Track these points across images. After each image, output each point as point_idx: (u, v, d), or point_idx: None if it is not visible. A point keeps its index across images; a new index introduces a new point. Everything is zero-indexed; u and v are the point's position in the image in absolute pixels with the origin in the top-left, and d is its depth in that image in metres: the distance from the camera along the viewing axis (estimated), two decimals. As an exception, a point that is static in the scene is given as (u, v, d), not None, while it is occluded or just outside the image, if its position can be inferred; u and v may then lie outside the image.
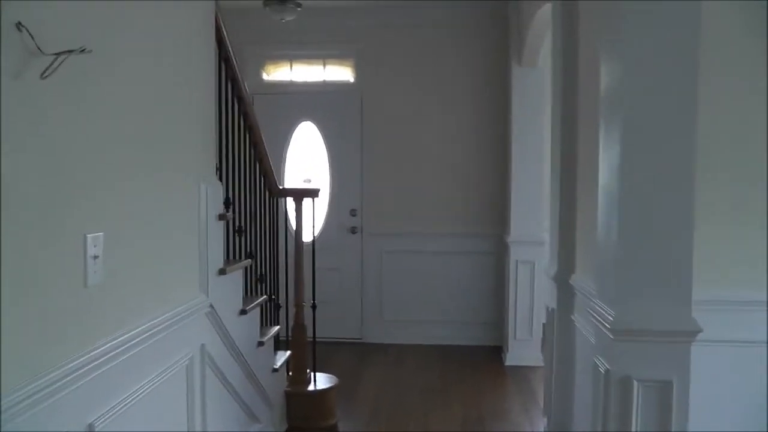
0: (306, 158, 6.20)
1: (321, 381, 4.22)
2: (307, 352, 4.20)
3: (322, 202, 6.13)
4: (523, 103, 5.26)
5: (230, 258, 3.21)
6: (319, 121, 6.12)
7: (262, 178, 3.98)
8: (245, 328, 3.22)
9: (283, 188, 4.23)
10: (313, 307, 4.30)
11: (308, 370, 4.19)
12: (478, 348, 5.84)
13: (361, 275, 6.06)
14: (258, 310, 3.56)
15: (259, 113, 6.35)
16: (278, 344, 4.11)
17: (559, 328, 3.27)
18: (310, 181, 6.21)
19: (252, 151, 3.79)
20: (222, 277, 2.83)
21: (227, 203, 3.12)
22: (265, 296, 3.80)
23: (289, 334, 4.20)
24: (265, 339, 3.52)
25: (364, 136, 6.01)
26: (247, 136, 3.70)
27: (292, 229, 6.25)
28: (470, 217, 5.85)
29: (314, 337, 4.32)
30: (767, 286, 2.49)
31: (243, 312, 3.16)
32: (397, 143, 5.93)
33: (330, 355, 5.65)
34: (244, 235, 3.53)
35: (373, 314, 6.05)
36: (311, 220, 4.27)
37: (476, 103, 5.82)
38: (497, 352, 5.69)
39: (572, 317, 3.18)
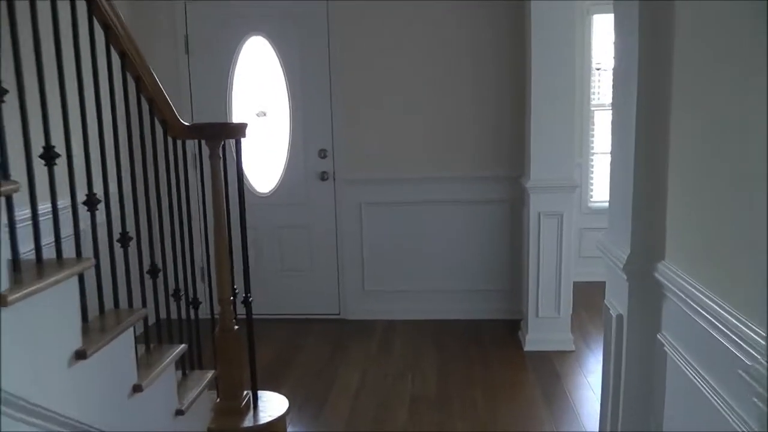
0: (259, 85, 4.75)
1: (265, 406, 2.93)
2: (243, 366, 2.88)
3: (282, 141, 4.72)
4: (544, 30, 3.81)
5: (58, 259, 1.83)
6: (273, 36, 4.64)
7: (155, 118, 2.58)
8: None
9: (189, 126, 2.81)
10: (247, 303, 2.95)
11: (245, 392, 2.88)
12: (487, 324, 4.54)
13: (335, 234, 4.71)
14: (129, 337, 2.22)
15: (193, 24, 4.67)
16: (197, 359, 2.80)
17: (632, 350, 1.94)
18: (264, 114, 4.78)
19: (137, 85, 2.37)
20: None
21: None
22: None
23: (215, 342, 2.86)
24: (144, 383, 2.17)
25: (333, 54, 4.54)
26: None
27: (250, 185, 4.98)
28: (475, 157, 4.46)
29: (251, 345, 3.00)
30: None
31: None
32: (379, 64, 4.48)
33: (298, 340, 4.37)
34: (107, 206, 2.16)
35: (352, 283, 4.74)
36: (240, 169, 2.87)
37: (481, 22, 4.33)
38: (513, 329, 4.39)
39: (660, 336, 1.84)
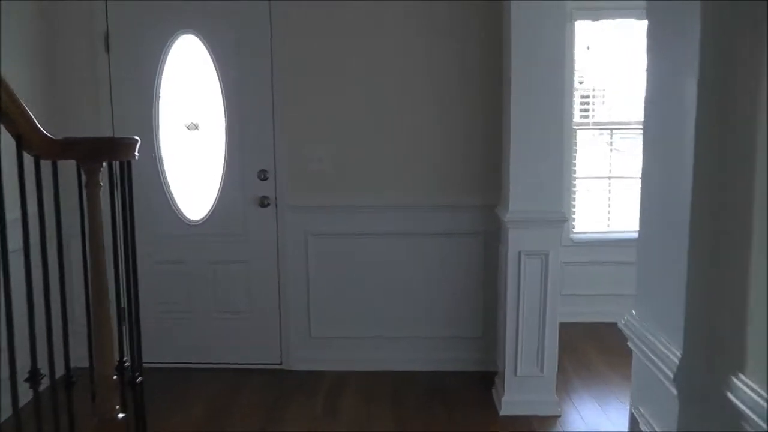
0: (190, 92, 4.02)
1: None
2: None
3: (216, 159, 3.99)
4: (526, 37, 3.16)
5: None
6: (207, 35, 3.92)
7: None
8: None
9: (57, 141, 2.06)
10: (135, 384, 2.21)
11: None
12: (455, 377, 3.86)
13: (277, 270, 3.98)
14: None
15: (115, 17, 3.87)
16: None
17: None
18: (196, 127, 4.06)
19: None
20: None
21: None
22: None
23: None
24: None
25: (276, 60, 3.85)
26: None
27: (178, 210, 4.27)
28: (442, 182, 3.79)
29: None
30: None
31: None
32: (330, 72, 3.80)
33: (232, 396, 3.63)
34: None
35: (297, 328, 4.01)
36: (125, 196, 2.14)
37: (448, 27, 3.68)
38: (485, 385, 3.71)
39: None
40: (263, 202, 3.90)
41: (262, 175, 3.91)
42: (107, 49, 3.95)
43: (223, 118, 3.94)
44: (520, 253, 3.23)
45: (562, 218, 3.23)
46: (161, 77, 3.99)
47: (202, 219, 4.02)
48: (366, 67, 3.76)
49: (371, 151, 3.79)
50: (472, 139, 3.72)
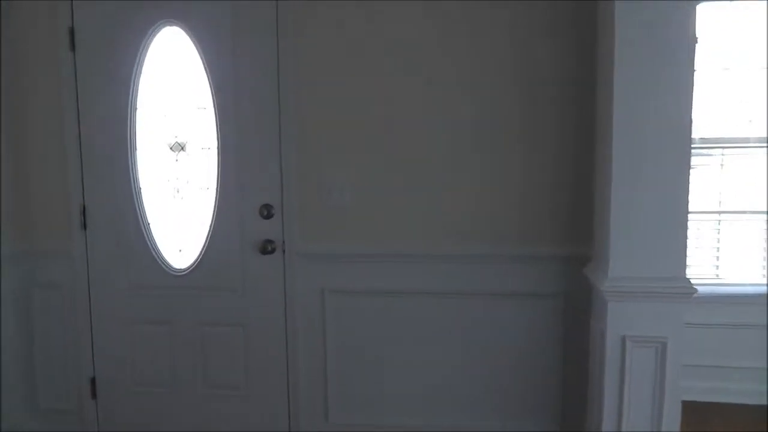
0: (175, 103, 3.10)
1: None
2: None
3: (207, 189, 3.06)
4: (637, 50, 2.14)
5: None
6: (196, 28, 3.00)
7: None
8: None
9: None
10: None
11: None
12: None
13: (285, 337, 3.03)
14: None
15: (82, 8, 2.88)
16: None
17: None
18: (182, 147, 3.13)
19: None
20: None
21: None
22: None
23: None
24: None
25: (284, 62, 2.91)
26: None
27: (159, 255, 3.14)
28: (506, 223, 2.77)
29: None
30: None
31: None
32: (357, 80, 2.84)
33: None
34: None
35: (309, 412, 3.05)
36: None
37: (523, 28, 2.69)
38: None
39: None
40: (266, 248, 2.95)
41: (265, 212, 2.96)
42: (72, 47, 3.07)
43: (215, 136, 3.00)
44: (624, 339, 2.21)
45: (688, 289, 2.19)
46: (138, 83, 3.09)
47: (189, 267, 3.10)
48: (405, 76, 2.78)
49: (411, 180, 2.81)
50: (550, 167, 2.71)
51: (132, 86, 3.07)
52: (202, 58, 2.99)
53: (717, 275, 3.65)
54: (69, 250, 3.18)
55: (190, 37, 3.00)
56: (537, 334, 2.78)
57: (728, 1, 3.47)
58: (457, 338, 2.85)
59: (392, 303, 2.86)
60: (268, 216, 2.96)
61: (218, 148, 3.00)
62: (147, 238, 3.11)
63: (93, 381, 3.24)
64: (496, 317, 2.80)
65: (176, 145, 3.11)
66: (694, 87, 2.18)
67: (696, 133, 3.62)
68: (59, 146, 3.15)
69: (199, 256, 3.07)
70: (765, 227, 3.50)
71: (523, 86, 2.68)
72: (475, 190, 2.75)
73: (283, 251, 2.96)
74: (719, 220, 3.64)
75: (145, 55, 3.07)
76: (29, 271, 3.23)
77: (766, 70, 3.42)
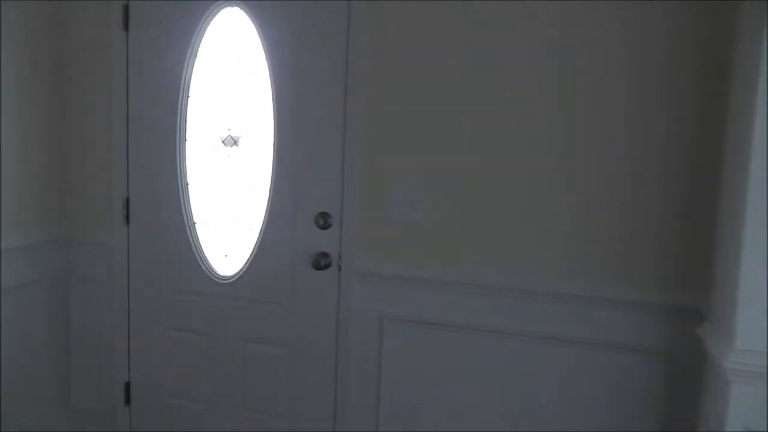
0: (230, 92, 2.78)
1: None
2: None
3: (260, 190, 2.74)
4: None
5: None
6: (256, 7, 2.66)
7: None
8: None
9: None
10: None
11: None
12: None
13: (335, 365, 2.68)
14: None
15: None
16: None
17: None
18: (235, 142, 2.80)
19: None
20: None
21: None
22: None
23: None
24: None
25: (354, 50, 2.52)
26: None
27: (203, 260, 2.77)
28: (604, 259, 2.31)
29: None
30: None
31: None
32: (440, 78, 2.42)
33: None
34: None
35: (358, 450, 2.71)
36: None
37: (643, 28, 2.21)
38: None
39: None
40: (320, 262, 2.61)
41: (322, 221, 2.61)
42: (126, 25, 2.79)
43: (272, 131, 2.66)
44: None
45: None
46: (192, 68, 2.78)
47: (234, 275, 2.79)
48: (497, 71, 2.37)
49: (495, 199, 2.40)
50: (657, 195, 2.25)
51: (185, 71, 2.77)
52: (262, 43, 2.65)
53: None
54: (110, 243, 2.93)
55: (251, 19, 2.66)
56: (630, 397, 2.34)
57: None
58: (543, 389, 2.44)
59: (462, 340, 2.47)
60: (325, 226, 2.61)
61: (274, 145, 2.67)
62: (192, 239, 2.82)
63: (128, 386, 3.00)
64: (583, 369, 2.38)
65: (229, 139, 2.79)
66: None
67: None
68: (106, 132, 2.90)
69: (246, 263, 2.76)
70: None
71: (631, 101, 2.22)
72: (569, 218, 2.32)
73: (339, 268, 2.61)
74: None
75: (201, 38, 2.75)
76: (68, 260, 3.00)
77: None
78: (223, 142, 2.79)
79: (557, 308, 2.34)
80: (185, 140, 2.82)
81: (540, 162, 2.32)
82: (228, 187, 2.79)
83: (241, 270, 2.77)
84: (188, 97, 2.79)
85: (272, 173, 2.68)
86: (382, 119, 2.49)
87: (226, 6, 2.70)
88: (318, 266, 2.60)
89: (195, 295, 2.84)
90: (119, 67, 2.83)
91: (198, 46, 2.76)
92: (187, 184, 2.83)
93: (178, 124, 2.79)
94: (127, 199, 2.90)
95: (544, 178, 2.32)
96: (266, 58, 2.64)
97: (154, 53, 2.79)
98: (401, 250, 2.50)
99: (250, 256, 2.74)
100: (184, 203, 2.83)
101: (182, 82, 2.77)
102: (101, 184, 2.93)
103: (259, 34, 2.65)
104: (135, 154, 2.86)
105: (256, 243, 2.73)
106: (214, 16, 2.73)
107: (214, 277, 2.81)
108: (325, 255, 2.61)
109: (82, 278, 3.02)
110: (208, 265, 2.82)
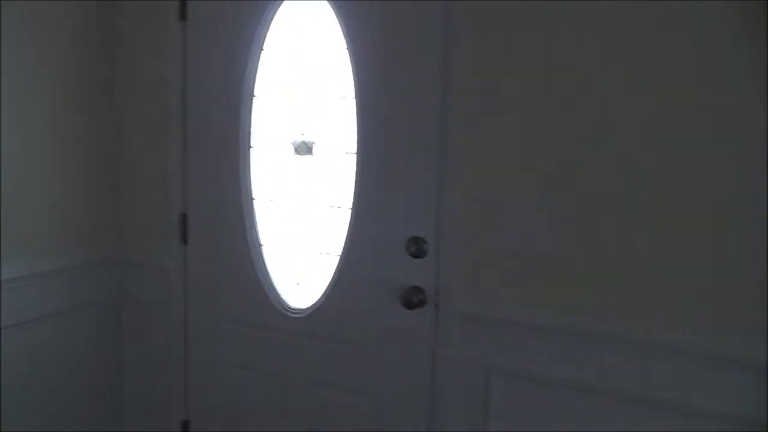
0: (303, 91, 2.31)
1: None
2: None
3: (339, 208, 2.27)
4: None
5: None
6: (343, 3, 2.19)
7: None
8: None
9: None
10: None
11: None
12: None
13: (426, 426, 2.19)
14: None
15: None
16: None
17: None
18: (309, 149, 2.34)
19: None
20: None
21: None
22: None
23: None
24: None
25: (454, 38, 2.01)
26: None
27: (272, 288, 2.34)
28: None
29: None
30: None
31: None
32: (561, 70, 1.89)
33: None
34: None
35: None
36: None
37: None
38: None
39: None
40: (412, 299, 2.12)
41: (415, 248, 2.13)
42: (183, 15, 2.39)
43: (355, 137, 2.19)
44: None
45: None
46: (258, 63, 2.34)
47: (308, 309, 2.34)
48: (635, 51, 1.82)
49: (643, 224, 1.85)
50: None
51: (250, 66, 2.33)
52: (343, 32, 2.18)
53: None
54: (166, 265, 2.55)
55: (335, 12, 2.19)
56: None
57: None
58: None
59: (595, 404, 1.95)
60: (419, 254, 2.13)
61: (358, 154, 2.20)
62: (258, 264, 2.40)
63: (186, 425, 2.62)
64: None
65: (302, 146, 2.34)
66: None
67: None
68: (160, 137, 2.50)
69: (322, 295, 2.31)
70: None
71: None
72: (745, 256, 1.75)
73: (436, 306, 2.12)
74: None
75: (268, 28, 2.32)
76: (120, 282, 2.66)
77: None
78: (295, 149, 2.34)
79: (732, 376, 1.78)
80: (250, 147, 2.39)
81: (700, 196, 1.76)
82: (301, 202, 2.34)
83: (316, 303, 2.32)
84: (253, 96, 2.36)
85: (355, 187, 2.21)
86: (491, 127, 1.98)
87: (298, -10, 2.25)
88: (409, 304, 2.12)
89: (260, 329, 2.41)
90: (175, 62, 2.44)
91: (265, 36, 2.32)
92: (253, 198, 2.40)
93: (241, 129, 2.37)
94: (184, 215, 2.50)
95: (704, 210, 1.75)
96: (348, 48, 2.17)
97: (215, 48, 2.38)
98: (516, 287, 1.99)
99: (328, 286, 2.29)
100: (250, 221, 2.40)
101: (247, 78, 2.34)
102: (156, 196, 2.56)
103: (339, 22, 2.18)
104: (192, 162, 2.46)
105: (335, 271, 2.27)
106: (279, 7, 2.28)
107: (283, 310, 2.37)
108: (418, 290, 2.13)
109: (136, 303, 2.67)
110: (277, 294, 2.39)
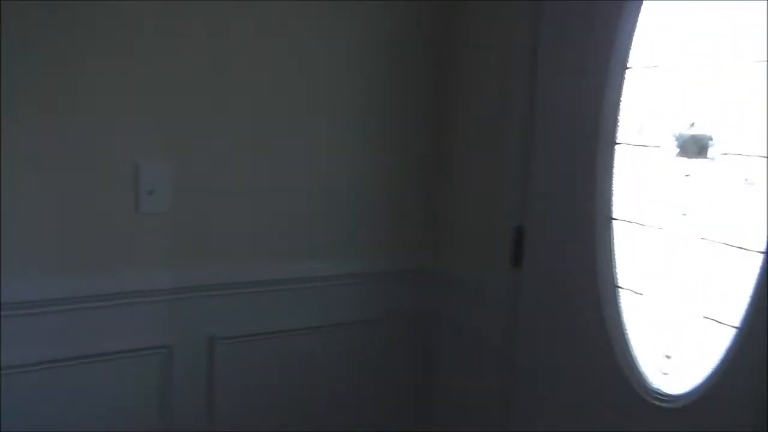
0: (701, 54, 1.48)
1: None
2: None
3: (738, 251, 1.40)
4: None
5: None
6: None
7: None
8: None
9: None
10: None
11: None
12: None
13: None
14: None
15: None
16: None
17: None
18: (703, 147, 1.51)
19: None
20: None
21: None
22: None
23: None
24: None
25: None
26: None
27: (632, 362, 1.37)
28: None
29: None
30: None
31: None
32: None
33: None
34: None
35: None
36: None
37: None
38: None
39: None
40: None
41: None
42: None
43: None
44: None
45: None
46: (634, 21, 1.60)
47: (685, 396, 1.52)
48: None
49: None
50: None
51: (621, 26, 1.61)
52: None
53: None
54: (490, 288, 2.00)
55: None
56: None
57: None
58: None
59: None
60: None
61: (786, 162, 1.31)
62: (610, 314, 1.68)
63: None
64: None
65: (690, 143, 1.53)
66: None
67: None
68: (491, 124, 1.95)
69: (708, 377, 1.47)
70: None
71: None
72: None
73: None
74: None
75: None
76: (429, 296, 2.20)
77: None
78: (679, 147, 1.54)
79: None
80: (615, 143, 1.66)
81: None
82: (682, 231, 1.53)
83: (697, 388, 1.49)
84: (626, 67, 1.62)
85: (774, 216, 1.33)
86: None
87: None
88: None
89: (608, 410, 1.68)
90: (520, 37, 1.84)
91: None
92: (612, 218, 1.68)
93: (604, 116, 1.66)
94: (521, 228, 1.91)
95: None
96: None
97: (573, 15, 1.70)
98: None
99: (719, 364, 1.44)
100: (603, 250, 1.68)
101: (616, 42, 1.62)
102: (484, 203, 2.01)
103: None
104: (534, 161, 1.84)
105: (732, 343, 1.42)
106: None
107: (642, 392, 1.60)
108: None
109: (449, 321, 2.17)
110: (635, 367, 1.63)
